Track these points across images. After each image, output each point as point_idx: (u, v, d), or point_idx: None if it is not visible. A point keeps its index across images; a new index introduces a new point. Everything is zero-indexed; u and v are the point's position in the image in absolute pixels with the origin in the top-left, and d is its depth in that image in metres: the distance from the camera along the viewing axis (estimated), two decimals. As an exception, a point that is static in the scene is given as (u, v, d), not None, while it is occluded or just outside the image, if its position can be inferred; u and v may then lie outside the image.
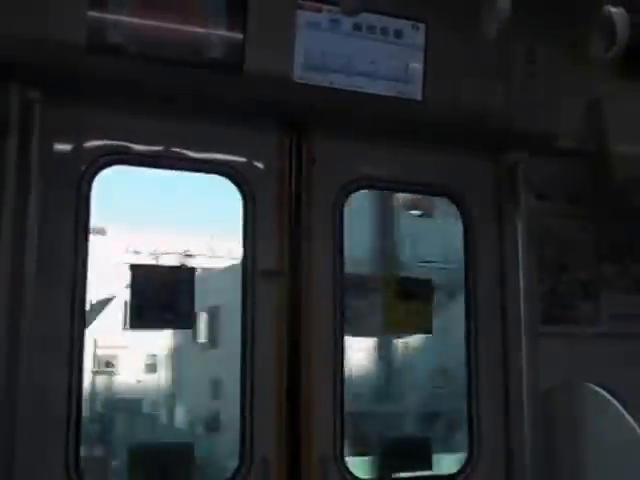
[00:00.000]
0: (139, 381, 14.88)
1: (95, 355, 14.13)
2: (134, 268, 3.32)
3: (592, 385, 3.43)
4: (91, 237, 3.19)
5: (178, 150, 3.36)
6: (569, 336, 3.74)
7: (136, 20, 3.08)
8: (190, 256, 12.85)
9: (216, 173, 3.48)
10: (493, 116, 3.57)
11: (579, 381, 3.52)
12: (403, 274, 4.47)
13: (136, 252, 12.49)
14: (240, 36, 3.19)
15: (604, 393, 3.35)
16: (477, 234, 3.79)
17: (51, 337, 3.02)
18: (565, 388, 3.58)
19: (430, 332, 3.75)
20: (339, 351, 3.49)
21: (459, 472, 3.65)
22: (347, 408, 3.47)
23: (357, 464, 3.57)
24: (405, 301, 3.67)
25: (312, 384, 3.37)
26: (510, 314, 3.71)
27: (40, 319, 2.92)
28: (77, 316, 3.09)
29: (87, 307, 3.21)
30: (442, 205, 4.12)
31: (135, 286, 3.27)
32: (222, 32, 3.20)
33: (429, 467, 3.69)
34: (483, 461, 3.64)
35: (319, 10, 3.33)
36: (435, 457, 3.74)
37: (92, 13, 3.00)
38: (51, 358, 3.01)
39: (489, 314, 3.76)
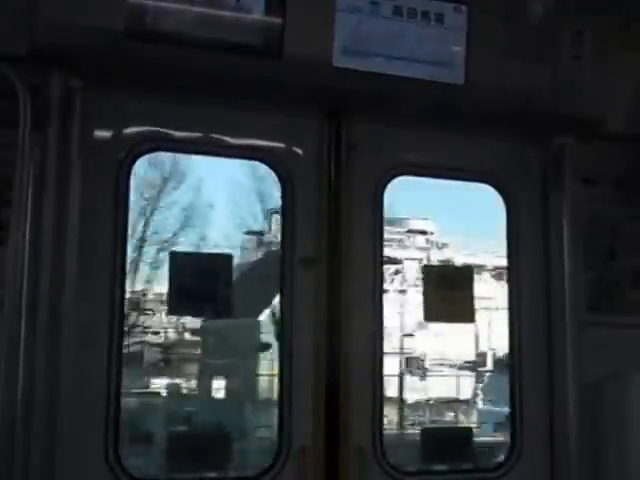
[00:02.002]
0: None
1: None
2: (173, 255, 3.38)
3: (640, 376, 3.38)
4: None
5: (217, 136, 3.41)
6: (617, 325, 3.69)
7: (175, 6, 3.14)
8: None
9: (255, 159, 3.52)
10: (538, 100, 3.55)
11: (627, 372, 3.47)
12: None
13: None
14: (280, 21, 3.22)
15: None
16: (521, 221, 3.77)
17: (90, 324, 3.09)
18: (612, 379, 3.53)
19: (472, 321, 3.74)
20: (378, 340, 3.51)
21: (502, 464, 3.64)
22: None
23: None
24: (445, 290, 3.66)
25: (351, 374, 3.39)
26: (555, 303, 3.69)
27: (80, 300, 3.01)
28: (116, 299, 3.15)
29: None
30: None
31: (174, 273, 3.31)
32: (262, 17, 3.24)
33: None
34: (526, 453, 3.62)
35: (359, -6, 3.32)
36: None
37: (132, 0, 3.03)
38: (90, 344, 3.08)
39: (533, 303, 3.74)
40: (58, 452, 2.88)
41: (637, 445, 3.41)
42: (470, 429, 3.86)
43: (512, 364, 3.71)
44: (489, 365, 11.91)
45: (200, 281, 3.34)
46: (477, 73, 3.44)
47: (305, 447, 3.28)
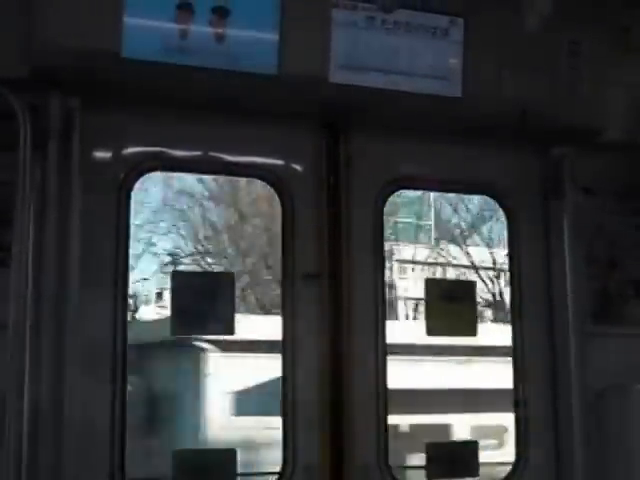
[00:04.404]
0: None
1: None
2: (175, 275, 3.46)
3: (646, 387, 3.45)
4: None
5: (216, 154, 3.50)
6: (620, 336, 3.77)
7: (172, 26, 3.22)
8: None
9: (254, 176, 3.61)
10: (536, 111, 3.64)
11: (632, 383, 3.54)
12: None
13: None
14: (276, 38, 3.30)
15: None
16: (522, 232, 3.86)
17: (94, 340, 3.17)
18: (617, 390, 3.61)
19: (474, 334, 3.81)
20: (382, 356, 3.58)
21: (508, 476, 3.70)
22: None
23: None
24: (448, 304, 3.74)
25: (355, 391, 3.47)
26: (558, 314, 3.77)
27: (83, 321, 3.09)
28: (119, 320, 3.24)
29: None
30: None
31: (176, 292, 3.39)
32: (258, 34, 3.33)
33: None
34: (532, 466, 3.69)
35: (355, 8, 3.43)
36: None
37: (128, 21, 3.13)
38: (94, 365, 3.16)
39: (536, 314, 3.82)
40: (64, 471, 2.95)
41: (642, 455, 3.48)
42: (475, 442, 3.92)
43: (516, 374, 3.78)
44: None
45: (203, 300, 3.42)
46: (474, 85, 3.54)
47: (310, 464, 3.35)
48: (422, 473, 3.69)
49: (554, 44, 3.64)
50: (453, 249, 11.96)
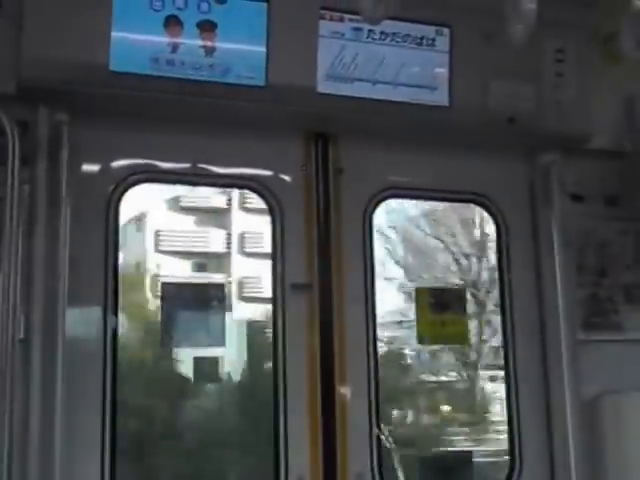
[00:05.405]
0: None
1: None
2: (165, 285, 3.48)
3: (638, 393, 3.46)
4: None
5: (205, 166, 3.52)
6: (612, 343, 3.78)
7: (160, 39, 3.25)
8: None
9: (243, 187, 3.63)
10: (523, 118, 3.66)
11: (624, 389, 3.55)
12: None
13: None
14: (263, 49, 3.33)
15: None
16: (511, 240, 3.87)
17: (83, 354, 3.18)
18: (609, 397, 3.62)
19: (465, 343, 3.83)
20: (373, 365, 3.59)
21: (502, 486, 3.71)
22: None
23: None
24: (438, 312, 3.75)
25: (347, 400, 3.48)
26: (548, 322, 3.78)
27: (73, 335, 3.11)
28: (109, 334, 3.26)
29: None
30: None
31: (166, 303, 3.41)
32: (246, 46, 3.36)
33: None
34: (525, 475, 3.69)
35: (341, 19, 3.47)
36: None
37: (116, 34, 3.16)
38: (84, 379, 3.17)
39: (526, 322, 3.83)
40: None
41: (636, 461, 3.49)
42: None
43: (508, 384, 3.78)
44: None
45: (193, 311, 3.43)
46: (461, 94, 3.58)
47: (302, 477, 3.36)
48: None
49: (540, 51, 3.67)
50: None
